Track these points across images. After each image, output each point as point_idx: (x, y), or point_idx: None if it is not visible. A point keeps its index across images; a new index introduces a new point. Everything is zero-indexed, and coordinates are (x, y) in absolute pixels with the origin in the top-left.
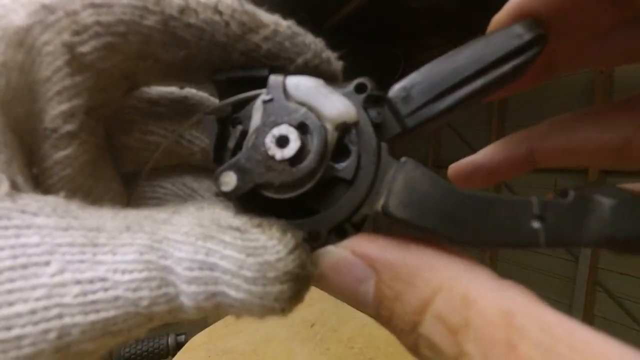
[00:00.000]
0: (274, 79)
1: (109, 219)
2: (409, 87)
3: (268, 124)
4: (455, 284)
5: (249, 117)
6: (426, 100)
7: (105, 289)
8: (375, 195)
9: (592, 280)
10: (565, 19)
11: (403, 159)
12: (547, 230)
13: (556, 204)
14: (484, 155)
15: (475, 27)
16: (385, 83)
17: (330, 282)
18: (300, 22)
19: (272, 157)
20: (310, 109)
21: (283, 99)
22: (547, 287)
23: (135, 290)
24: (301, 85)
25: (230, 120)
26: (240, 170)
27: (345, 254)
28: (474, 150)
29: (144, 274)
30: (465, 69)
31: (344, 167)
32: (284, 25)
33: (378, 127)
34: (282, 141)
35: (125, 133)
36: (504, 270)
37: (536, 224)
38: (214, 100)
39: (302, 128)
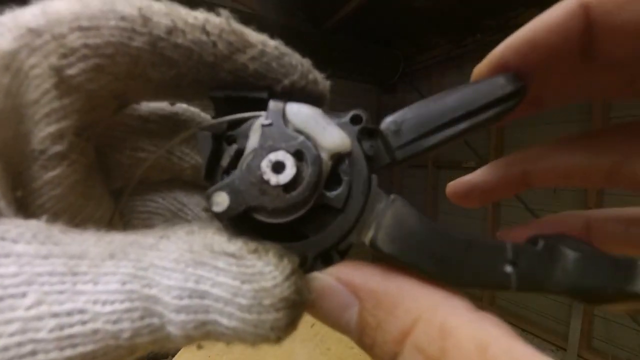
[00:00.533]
0: (275, 104)
1: (92, 245)
2: (400, 122)
3: (265, 147)
4: (433, 315)
5: (245, 137)
6: (415, 136)
7: (84, 322)
8: (363, 226)
9: None
10: (539, 70)
11: (392, 195)
12: (518, 275)
13: (527, 251)
14: (480, 176)
15: (475, 27)
16: (386, 83)
17: (316, 308)
18: (300, 22)
19: (267, 182)
20: (308, 137)
21: (282, 124)
22: None
23: (115, 322)
24: (301, 113)
25: (224, 137)
26: (233, 192)
27: (330, 280)
28: (473, 151)
29: (126, 305)
30: (452, 111)
31: (335, 195)
32: (271, 45)
33: (370, 159)
34: (278, 167)
35: (116, 150)
36: None
37: (509, 269)
38: (205, 116)
39: (298, 155)
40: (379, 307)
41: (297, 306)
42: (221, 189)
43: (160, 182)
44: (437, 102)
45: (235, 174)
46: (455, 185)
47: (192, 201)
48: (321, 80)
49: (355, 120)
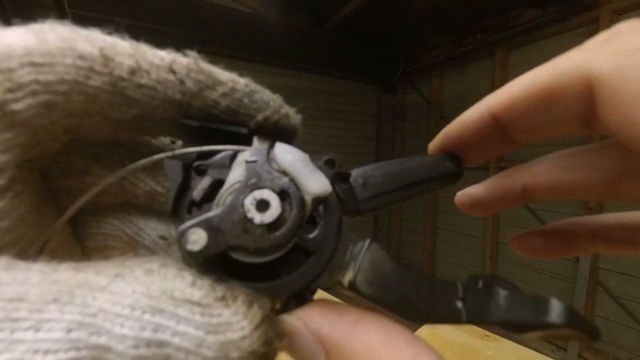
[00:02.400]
0: (260, 141)
1: (34, 285)
2: (366, 177)
3: (249, 185)
4: None
5: (218, 169)
6: (379, 192)
7: None
8: (338, 267)
9: (593, 280)
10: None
11: (367, 240)
12: (467, 310)
13: (472, 289)
14: (483, 190)
15: (475, 28)
16: (386, 83)
17: (286, 350)
18: (301, 22)
19: (250, 220)
20: (292, 179)
21: (267, 163)
22: (548, 287)
23: None
24: (289, 155)
25: (194, 167)
26: (212, 229)
27: (299, 326)
28: None
29: (71, 355)
30: (409, 177)
31: (312, 237)
32: (241, 83)
33: (341, 202)
34: (263, 205)
35: (64, 176)
36: (504, 270)
37: (459, 304)
38: (161, 141)
39: (282, 196)
40: None
41: (266, 358)
42: (198, 225)
43: (115, 205)
44: (398, 166)
45: (214, 210)
46: (462, 197)
47: (149, 225)
48: (293, 115)
49: (329, 164)
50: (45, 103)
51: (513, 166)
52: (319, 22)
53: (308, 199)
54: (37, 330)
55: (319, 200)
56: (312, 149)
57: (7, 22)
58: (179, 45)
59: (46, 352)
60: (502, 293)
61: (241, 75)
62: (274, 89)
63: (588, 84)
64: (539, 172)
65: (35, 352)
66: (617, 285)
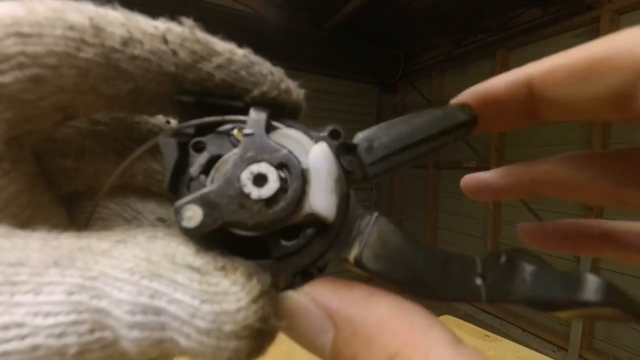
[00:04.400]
0: (256, 113)
1: (35, 251)
2: (372, 140)
3: (246, 159)
4: (412, 351)
5: (217, 144)
6: (386, 154)
7: (22, 337)
8: (345, 242)
9: None
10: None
11: (375, 213)
12: (487, 288)
13: (493, 264)
14: (492, 176)
15: (475, 28)
16: (386, 83)
17: (288, 329)
18: (301, 22)
19: (247, 195)
20: (291, 151)
21: (264, 135)
22: None
23: (59, 336)
24: (323, 160)
25: (192, 144)
26: (207, 205)
27: (306, 302)
28: (474, 151)
29: (72, 317)
30: (418, 134)
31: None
32: (239, 53)
33: (348, 174)
34: (260, 179)
35: (61, 155)
36: None
37: (479, 281)
38: (159, 120)
39: (281, 168)
40: (356, 337)
41: (262, 335)
42: (193, 202)
43: (113, 188)
44: (404, 124)
45: (210, 185)
46: (469, 178)
47: (147, 208)
48: (294, 89)
49: (333, 135)
50: (34, 77)
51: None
52: (319, 22)
53: (306, 210)
54: (38, 293)
55: (314, 217)
56: None
57: None
58: None
59: (47, 314)
60: (529, 268)
61: None
62: None
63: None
64: (550, 168)
65: (36, 314)
66: (618, 285)
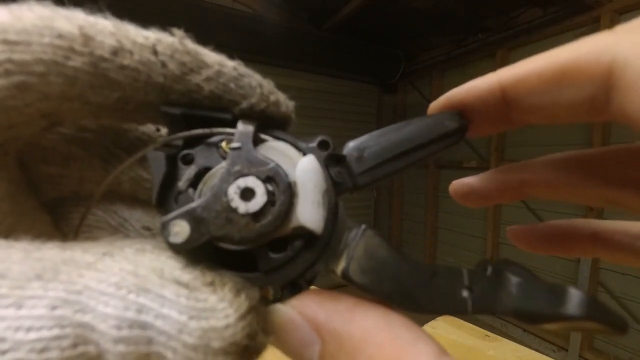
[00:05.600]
0: (244, 126)
1: (16, 263)
2: (362, 149)
3: (233, 173)
4: None
5: (205, 157)
6: (376, 163)
7: (3, 352)
8: (333, 255)
9: (594, 280)
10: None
11: (363, 226)
12: (473, 300)
13: (479, 276)
14: (480, 180)
15: (476, 27)
16: (386, 83)
17: (276, 341)
18: (301, 22)
19: (235, 210)
20: (278, 164)
21: (251, 148)
22: None
23: (41, 351)
24: (311, 173)
25: (180, 156)
26: (195, 220)
27: (293, 315)
28: (474, 151)
29: (55, 332)
30: (408, 142)
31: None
32: (229, 66)
33: (337, 185)
34: (248, 193)
35: (46, 162)
36: None
37: (465, 293)
38: (148, 127)
39: (268, 181)
40: (341, 350)
41: (249, 351)
42: (180, 217)
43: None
44: (395, 133)
45: (197, 200)
46: (456, 184)
47: (134, 216)
48: (284, 102)
49: (322, 145)
50: (20, 84)
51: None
52: (319, 22)
53: (294, 223)
54: (19, 307)
55: (301, 230)
56: None
57: None
58: None
59: (29, 329)
60: (515, 280)
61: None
62: None
63: (609, 67)
64: (539, 168)
65: (17, 329)
66: (618, 286)
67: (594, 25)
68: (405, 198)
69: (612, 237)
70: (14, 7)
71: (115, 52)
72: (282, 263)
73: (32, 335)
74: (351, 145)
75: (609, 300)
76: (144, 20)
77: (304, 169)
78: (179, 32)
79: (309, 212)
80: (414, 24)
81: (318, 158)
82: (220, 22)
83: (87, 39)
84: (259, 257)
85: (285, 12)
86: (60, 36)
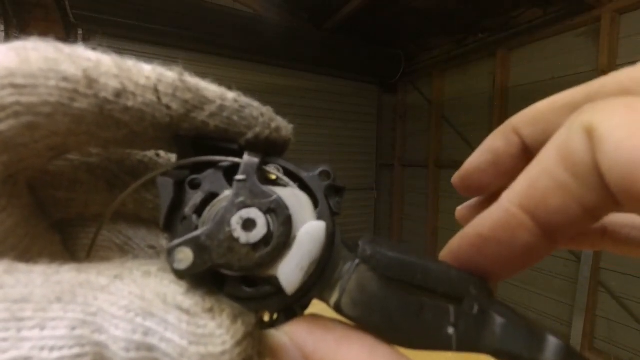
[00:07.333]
0: (250, 156)
1: (38, 286)
2: (376, 247)
3: (236, 204)
4: None
5: (212, 183)
6: (380, 259)
7: None
8: (327, 284)
9: (595, 280)
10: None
11: (356, 260)
12: (458, 337)
13: (465, 314)
14: (483, 203)
15: (475, 27)
16: (386, 83)
17: None
18: (301, 22)
19: (237, 240)
20: (280, 197)
21: (256, 180)
22: (549, 288)
23: None
24: (315, 234)
25: (188, 181)
26: (198, 248)
27: (285, 341)
28: (474, 150)
29: (75, 350)
30: (423, 277)
31: None
32: (229, 98)
33: (333, 215)
34: (249, 225)
35: (54, 187)
36: None
37: (451, 330)
38: (150, 152)
39: (269, 213)
40: None
41: None
42: (184, 244)
43: (103, 214)
44: (421, 261)
45: (202, 227)
46: (463, 211)
47: (138, 235)
48: (284, 127)
49: (324, 175)
50: (28, 124)
51: None
52: (319, 22)
53: (272, 271)
54: (43, 328)
55: (275, 280)
56: (312, 149)
57: (8, 23)
58: (179, 45)
59: (52, 348)
60: (499, 321)
61: (242, 75)
62: (274, 89)
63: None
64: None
65: (42, 348)
66: (619, 285)
67: (595, 25)
68: (405, 198)
69: (621, 231)
70: (21, 48)
71: (119, 94)
72: (278, 289)
73: (55, 354)
74: (366, 241)
75: (609, 300)
76: (144, 19)
77: (309, 233)
78: (177, 68)
79: (290, 271)
80: (414, 24)
81: (318, 187)
82: (220, 22)
83: (90, 81)
84: (256, 282)
85: (285, 12)
86: (65, 79)
